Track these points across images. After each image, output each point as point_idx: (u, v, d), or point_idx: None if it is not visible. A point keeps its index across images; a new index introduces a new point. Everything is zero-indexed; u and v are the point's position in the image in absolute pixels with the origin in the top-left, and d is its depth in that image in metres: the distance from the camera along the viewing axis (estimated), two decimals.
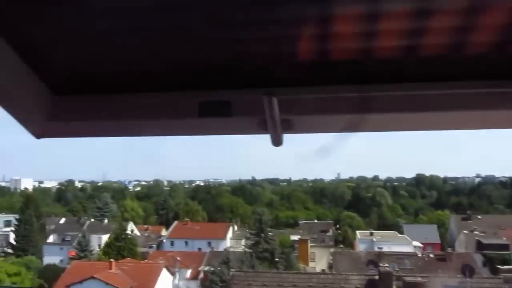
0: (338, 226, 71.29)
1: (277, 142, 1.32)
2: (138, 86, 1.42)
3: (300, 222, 65.04)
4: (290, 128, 1.32)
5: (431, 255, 40.76)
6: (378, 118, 1.35)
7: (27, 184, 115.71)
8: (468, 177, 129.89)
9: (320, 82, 1.29)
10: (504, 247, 49.77)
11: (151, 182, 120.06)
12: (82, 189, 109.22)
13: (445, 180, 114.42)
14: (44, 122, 1.45)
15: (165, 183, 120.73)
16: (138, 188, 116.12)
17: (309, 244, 51.64)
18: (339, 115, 1.32)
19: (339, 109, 1.29)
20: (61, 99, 1.44)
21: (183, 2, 1.14)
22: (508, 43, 1.17)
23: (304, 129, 1.39)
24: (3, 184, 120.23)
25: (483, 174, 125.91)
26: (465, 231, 56.20)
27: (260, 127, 1.32)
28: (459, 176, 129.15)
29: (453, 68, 1.28)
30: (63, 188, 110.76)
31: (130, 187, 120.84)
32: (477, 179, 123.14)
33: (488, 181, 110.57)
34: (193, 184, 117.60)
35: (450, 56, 1.24)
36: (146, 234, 63.08)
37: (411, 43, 1.21)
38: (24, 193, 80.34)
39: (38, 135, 1.50)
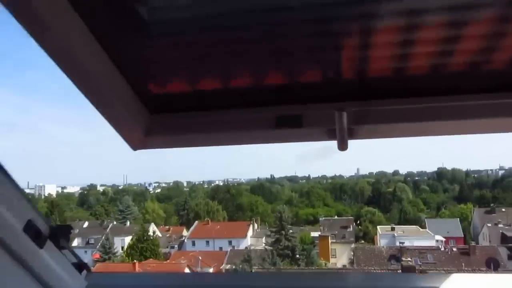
0: (358, 222, 70.83)
1: (343, 148, 1.56)
2: (224, 104, 1.69)
3: (320, 219, 64.80)
4: (353, 135, 1.57)
5: (454, 249, 40.18)
6: (422, 126, 1.61)
7: (51, 190, 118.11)
8: (492, 170, 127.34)
9: (374, 97, 1.56)
10: None
11: (171, 184, 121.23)
12: (104, 192, 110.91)
13: (468, 173, 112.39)
14: (142, 136, 1.73)
15: (185, 184, 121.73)
16: (158, 190, 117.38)
17: (330, 241, 51.48)
18: (391, 124, 1.58)
19: (391, 118, 1.56)
20: (156, 117, 1.73)
21: (256, 36, 1.41)
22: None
23: (364, 136, 1.63)
24: (28, 191, 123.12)
25: (507, 166, 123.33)
26: (489, 224, 55.17)
27: (328, 136, 1.58)
28: (482, 169, 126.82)
29: (470, 82, 1.52)
30: (85, 192, 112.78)
31: (151, 189, 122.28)
32: (501, 172, 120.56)
33: None
34: (212, 184, 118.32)
35: (467, 72, 1.49)
36: (168, 235, 63.81)
37: (439, 62, 1.46)
38: (48, 199, 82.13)
39: (135, 147, 1.76)
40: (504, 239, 50.23)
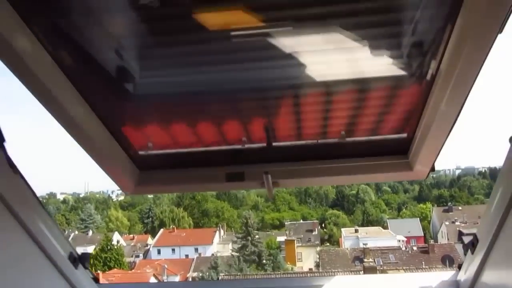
0: (323, 224, 72.00)
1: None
2: (192, 163, 2.31)
3: (286, 223, 65.49)
4: (278, 185, 2.23)
5: (415, 248, 41.67)
6: (323, 180, 2.31)
7: None
8: (449, 170, 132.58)
9: (295, 159, 2.22)
10: None
11: None
12: (64, 201, 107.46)
13: None
14: (133, 186, 2.32)
15: None
16: (122, 198, 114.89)
17: (296, 244, 52.12)
18: (302, 178, 2.27)
19: (302, 174, 2.22)
20: (143, 172, 2.34)
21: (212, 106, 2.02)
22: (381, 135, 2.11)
23: (285, 186, 2.31)
24: None
25: (463, 166, 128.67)
26: (447, 223, 57.52)
27: (262, 186, 2.19)
28: (440, 169, 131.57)
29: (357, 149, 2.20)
30: (44, 201, 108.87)
31: (113, 196, 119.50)
32: (458, 171, 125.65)
33: (468, 173, 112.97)
34: None
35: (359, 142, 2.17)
36: (132, 244, 62.66)
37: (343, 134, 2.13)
38: None
39: (128, 193, 2.41)
40: (461, 236, 52.38)
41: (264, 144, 2.23)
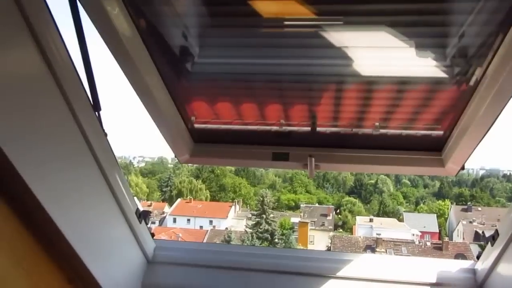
0: (338, 210, 72.08)
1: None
2: (241, 141, 2.51)
3: (301, 205, 65.84)
4: (319, 168, 2.38)
5: (428, 243, 41.44)
6: (360, 167, 2.44)
7: None
8: (473, 169, 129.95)
9: (334, 146, 2.38)
10: None
11: (156, 159, 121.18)
12: None
13: None
14: (188, 157, 2.54)
15: (169, 161, 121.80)
16: (143, 164, 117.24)
17: (309, 227, 52.45)
18: (344, 164, 2.41)
19: (343, 160, 2.38)
20: (198, 144, 2.56)
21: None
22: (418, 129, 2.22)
23: (326, 169, 2.45)
24: None
25: (487, 167, 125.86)
26: (464, 222, 56.81)
27: (303, 168, 2.37)
28: None
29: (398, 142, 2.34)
30: None
31: (135, 163, 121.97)
32: (482, 172, 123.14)
33: (492, 174, 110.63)
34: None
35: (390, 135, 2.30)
36: (149, 210, 64.12)
37: (380, 127, 2.26)
38: None
39: (182, 162, 2.60)
40: (477, 237, 51.87)
41: (309, 129, 2.40)
